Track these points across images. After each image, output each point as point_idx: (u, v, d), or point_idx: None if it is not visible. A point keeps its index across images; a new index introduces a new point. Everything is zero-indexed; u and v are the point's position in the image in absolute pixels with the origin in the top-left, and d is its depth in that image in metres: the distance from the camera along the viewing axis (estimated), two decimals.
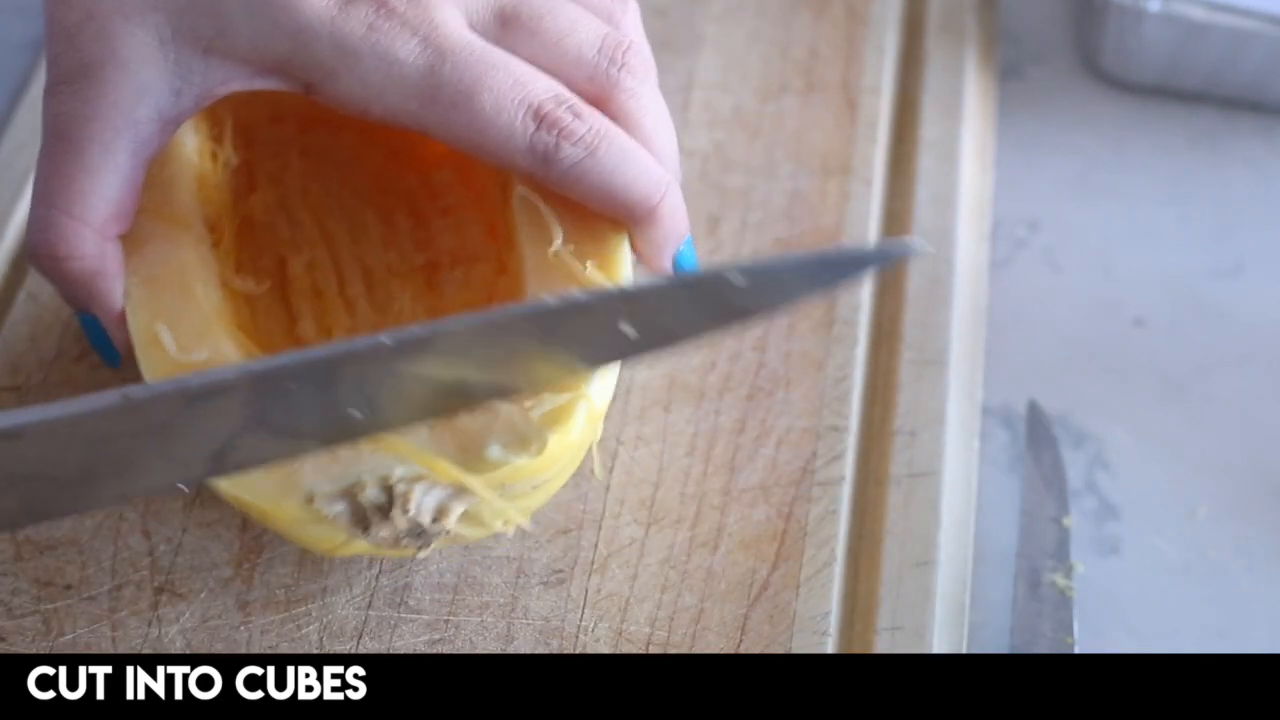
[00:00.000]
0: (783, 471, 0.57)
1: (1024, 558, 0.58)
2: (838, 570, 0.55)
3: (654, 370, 0.59)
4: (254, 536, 0.55)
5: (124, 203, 0.50)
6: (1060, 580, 0.57)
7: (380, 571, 0.54)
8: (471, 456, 0.48)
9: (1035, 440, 0.61)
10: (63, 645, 0.53)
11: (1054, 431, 0.61)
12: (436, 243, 0.57)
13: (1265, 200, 0.69)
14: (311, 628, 0.53)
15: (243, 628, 0.53)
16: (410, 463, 0.48)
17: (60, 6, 0.50)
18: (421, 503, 0.48)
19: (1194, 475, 0.60)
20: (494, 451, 0.48)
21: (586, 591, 0.54)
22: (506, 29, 0.51)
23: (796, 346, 0.60)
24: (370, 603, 0.54)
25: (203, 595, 0.54)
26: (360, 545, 0.50)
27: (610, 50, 0.51)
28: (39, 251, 0.50)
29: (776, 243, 0.63)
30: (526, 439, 0.48)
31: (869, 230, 0.63)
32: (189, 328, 0.50)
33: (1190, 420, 0.62)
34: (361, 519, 0.48)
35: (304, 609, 0.54)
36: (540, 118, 0.49)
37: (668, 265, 0.52)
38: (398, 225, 0.58)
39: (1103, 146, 0.71)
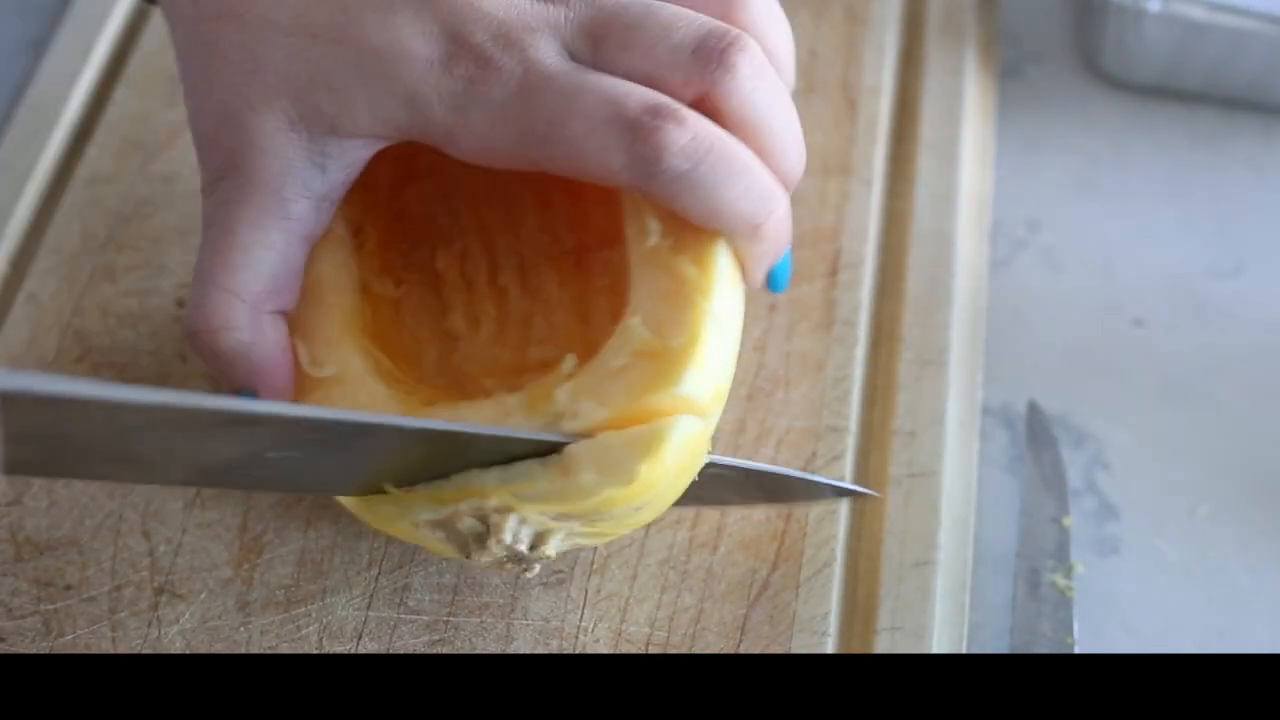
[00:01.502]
0: None
1: (1024, 558, 0.58)
2: (838, 570, 0.55)
3: None
4: (254, 537, 0.55)
5: (279, 279, 0.51)
6: (1060, 580, 0.57)
7: (380, 572, 0.54)
8: (569, 483, 0.48)
9: (1035, 440, 0.61)
10: (63, 645, 0.53)
11: (1054, 431, 0.61)
12: (589, 221, 0.56)
13: (1265, 200, 0.69)
14: (311, 628, 0.53)
15: (242, 628, 0.53)
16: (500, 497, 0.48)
17: (198, 119, 0.52)
18: (518, 532, 0.48)
19: (1194, 475, 0.60)
20: (588, 479, 0.47)
21: (586, 592, 0.54)
22: (600, 47, 0.49)
23: (796, 346, 0.60)
24: (370, 603, 0.54)
25: (203, 596, 0.54)
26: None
27: (708, 51, 0.48)
28: (195, 327, 0.50)
29: None
30: (618, 469, 0.47)
31: (869, 230, 0.63)
32: (320, 340, 0.51)
33: (1190, 420, 0.62)
34: (463, 545, 0.49)
35: (304, 609, 0.54)
36: (634, 130, 0.47)
37: (761, 279, 0.52)
38: (555, 206, 0.57)
39: (1103, 146, 0.71)
